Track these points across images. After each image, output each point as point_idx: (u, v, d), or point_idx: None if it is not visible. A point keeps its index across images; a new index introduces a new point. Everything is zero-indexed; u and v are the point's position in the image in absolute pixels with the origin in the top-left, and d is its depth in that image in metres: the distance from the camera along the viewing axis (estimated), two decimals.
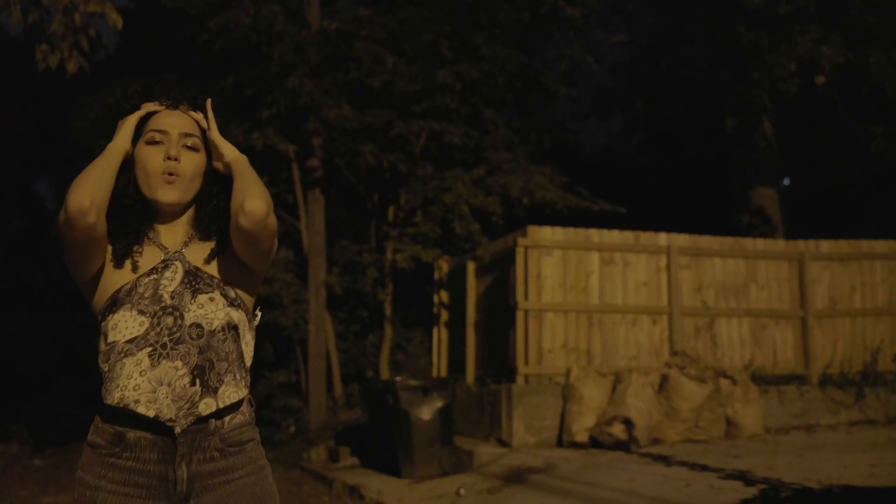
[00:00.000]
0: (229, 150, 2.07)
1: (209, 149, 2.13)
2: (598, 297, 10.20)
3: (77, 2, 6.29)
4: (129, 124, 2.05)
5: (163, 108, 2.09)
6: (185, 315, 1.98)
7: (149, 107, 2.08)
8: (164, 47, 14.93)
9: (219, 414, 1.98)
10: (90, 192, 1.88)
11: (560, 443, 9.24)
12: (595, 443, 9.00)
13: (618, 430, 8.85)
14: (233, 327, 2.01)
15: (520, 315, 9.82)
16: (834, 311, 10.88)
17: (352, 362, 13.35)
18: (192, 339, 1.97)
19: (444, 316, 12.51)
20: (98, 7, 6.33)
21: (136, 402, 1.91)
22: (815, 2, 12.48)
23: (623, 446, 8.74)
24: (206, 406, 1.95)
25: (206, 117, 2.11)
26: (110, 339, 1.94)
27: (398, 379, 9.07)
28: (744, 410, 9.32)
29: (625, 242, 10.43)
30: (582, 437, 9.09)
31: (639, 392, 9.08)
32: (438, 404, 8.83)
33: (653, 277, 10.44)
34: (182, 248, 2.07)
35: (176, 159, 2.03)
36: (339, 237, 13.24)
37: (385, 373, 12.63)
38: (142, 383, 1.91)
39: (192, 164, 2.08)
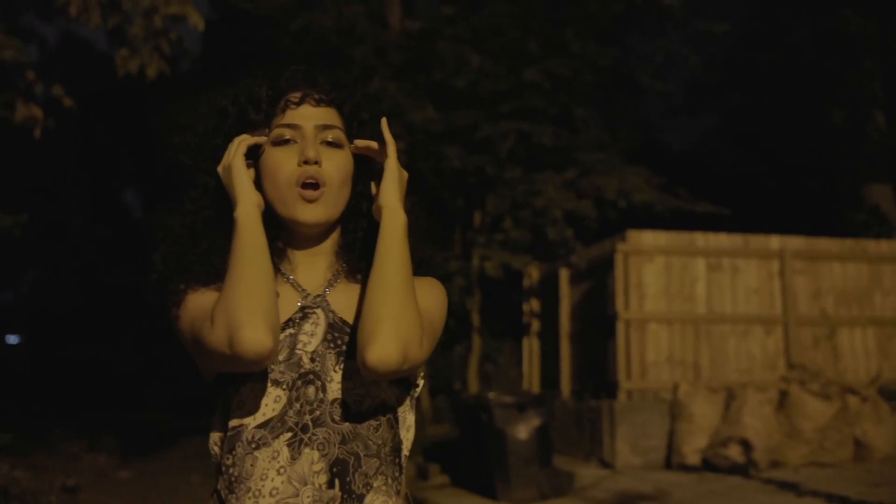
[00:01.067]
0: (390, 196, 1.48)
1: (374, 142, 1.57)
2: (704, 306, 9.48)
3: (157, 4, 5.95)
4: (237, 156, 1.49)
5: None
6: (328, 386, 1.44)
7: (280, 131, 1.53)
8: (245, 55, 14.77)
9: None
10: (268, 323, 1.34)
11: (669, 465, 8.57)
12: (708, 465, 8.29)
13: (734, 453, 8.11)
14: (389, 408, 1.49)
15: (620, 325, 9.20)
16: None
17: (439, 374, 12.90)
18: (333, 421, 1.43)
19: (535, 326, 11.97)
20: (179, 9, 5.99)
21: None
22: None
23: (740, 470, 8.01)
24: None
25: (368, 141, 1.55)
26: (234, 423, 1.44)
27: (491, 394, 8.55)
28: (874, 430, 8.48)
29: (733, 246, 9.69)
30: (693, 458, 8.38)
31: (756, 410, 8.32)
32: (535, 422, 8.27)
33: (765, 284, 9.67)
34: (325, 291, 1.53)
35: (316, 162, 1.48)
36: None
37: (473, 386, 12.15)
38: (280, 485, 1.40)
39: (337, 166, 1.51)
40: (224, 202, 1.50)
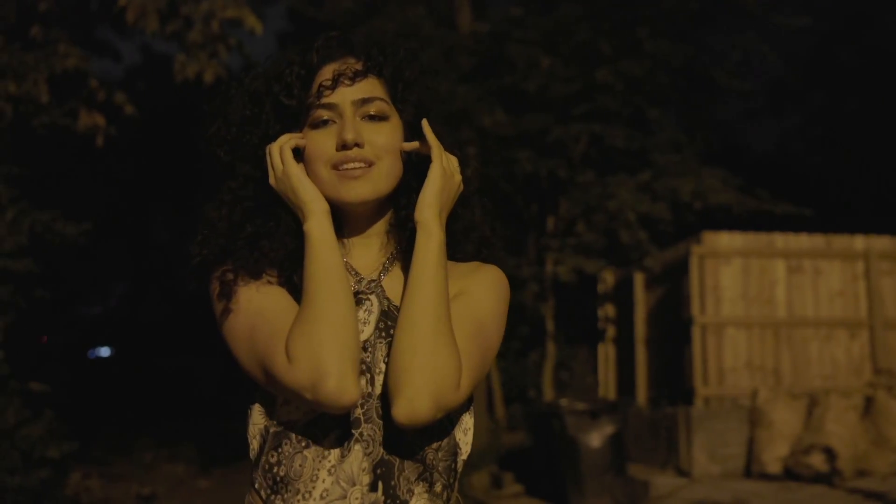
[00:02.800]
0: (424, 210, 1.36)
1: (404, 112, 1.46)
2: (784, 310, 9.19)
3: (215, 8, 6.01)
4: (289, 161, 1.38)
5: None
6: (376, 379, 1.33)
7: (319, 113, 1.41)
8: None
9: None
10: (356, 370, 1.27)
11: (748, 473, 8.32)
12: (790, 474, 8.01)
13: (817, 461, 7.82)
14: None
15: (696, 330, 8.97)
16: None
17: (513, 382, 12.79)
18: (379, 417, 1.32)
19: (611, 332, 11.77)
20: (235, 12, 6.04)
21: None
22: None
23: (824, 479, 7.72)
24: None
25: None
26: (282, 417, 1.35)
27: (563, 402, 8.42)
28: None
29: (814, 248, 9.37)
30: (774, 467, 8.11)
31: (840, 417, 8.01)
32: (609, 430, 8.11)
33: (849, 286, 9.33)
34: (380, 276, 1.43)
35: (357, 144, 1.37)
36: None
37: (549, 393, 12.00)
38: (330, 486, 1.30)
39: (384, 138, 1.39)
40: (266, 193, 1.41)
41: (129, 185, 21.98)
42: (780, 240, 9.43)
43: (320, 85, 1.40)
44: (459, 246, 1.48)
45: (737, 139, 18.17)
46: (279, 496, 1.32)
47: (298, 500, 1.30)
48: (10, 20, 7.21)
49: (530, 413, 10.06)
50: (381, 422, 1.32)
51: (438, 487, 1.35)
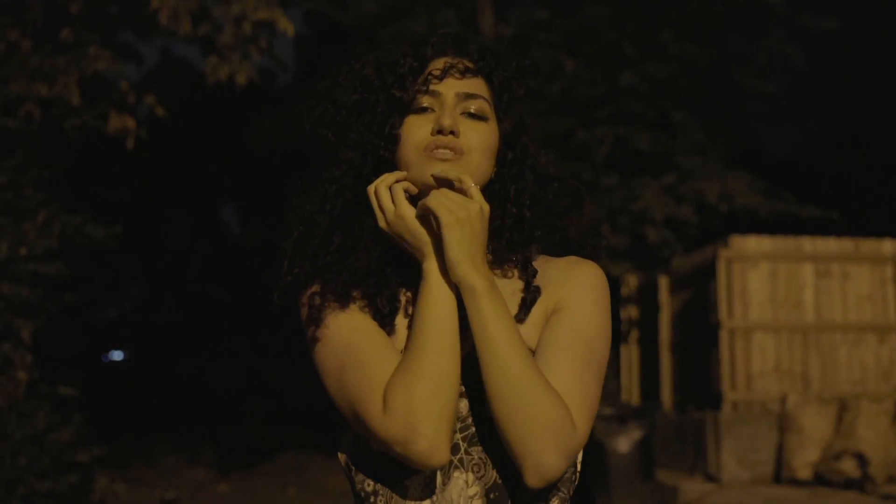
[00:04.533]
0: (455, 266, 1.26)
1: (504, 121, 1.42)
2: (813, 314, 9.14)
3: (246, 11, 6.02)
4: (402, 203, 1.31)
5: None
6: (484, 398, 1.27)
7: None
8: (337, 67, 14.96)
9: None
10: (452, 434, 1.25)
11: (778, 479, 8.27)
12: (820, 480, 7.96)
13: (848, 467, 7.76)
14: None
15: (723, 334, 8.92)
16: None
17: None
18: (492, 441, 1.26)
19: (634, 335, 11.74)
20: (267, 14, 6.04)
21: None
22: None
23: (856, 485, 7.66)
24: None
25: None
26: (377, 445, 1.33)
27: None
28: None
29: (842, 251, 9.32)
30: (804, 473, 8.06)
31: (871, 422, 7.95)
32: (636, 435, 8.07)
33: (877, 290, 9.27)
34: None
35: (452, 132, 1.33)
36: None
37: None
38: None
39: (479, 136, 1.35)
40: (363, 184, 1.37)
41: (144, 187, 22.06)
42: (808, 243, 9.37)
43: (429, 73, 1.38)
44: (544, 237, 1.44)
45: (758, 142, 18.09)
46: None
47: None
48: (39, 23, 7.24)
49: None
50: (493, 446, 1.28)
51: (556, 502, 1.32)
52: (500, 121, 1.41)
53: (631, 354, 11.76)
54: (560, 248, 1.46)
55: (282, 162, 19.13)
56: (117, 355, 26.50)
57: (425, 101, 1.36)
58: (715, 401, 8.99)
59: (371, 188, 1.33)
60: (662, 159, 11.33)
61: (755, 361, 8.95)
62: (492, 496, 1.27)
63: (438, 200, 1.26)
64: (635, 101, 11.09)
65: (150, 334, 24.87)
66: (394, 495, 1.28)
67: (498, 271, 1.39)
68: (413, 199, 1.33)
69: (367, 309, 1.33)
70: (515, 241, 1.41)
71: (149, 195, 22.36)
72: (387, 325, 1.32)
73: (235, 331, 22.42)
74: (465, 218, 1.25)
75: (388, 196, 1.31)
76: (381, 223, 1.32)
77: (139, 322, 25.92)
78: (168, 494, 9.54)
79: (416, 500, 1.27)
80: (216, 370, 21.94)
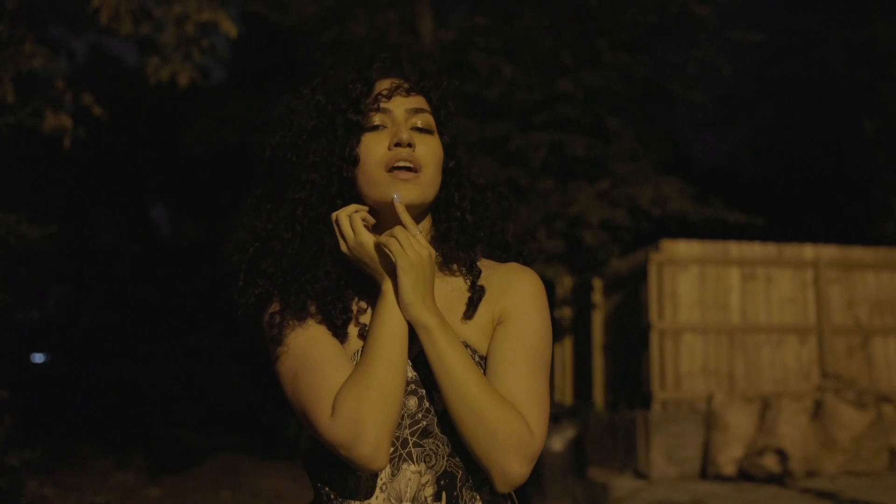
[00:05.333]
0: (408, 307, 1.40)
1: (444, 134, 1.56)
2: (739, 316, 9.45)
3: (189, 11, 6.02)
4: (361, 231, 1.43)
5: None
6: (434, 395, 1.42)
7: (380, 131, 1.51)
8: (276, 68, 14.86)
9: None
10: (390, 442, 1.37)
11: (704, 475, 8.53)
12: (744, 475, 8.25)
13: (770, 462, 8.07)
14: None
15: (654, 336, 9.17)
16: None
17: None
18: (442, 432, 1.41)
19: (568, 337, 11.93)
20: (211, 16, 6.05)
21: None
22: None
23: (777, 480, 7.97)
24: None
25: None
26: None
27: None
28: None
29: (767, 256, 9.66)
30: (729, 468, 8.34)
31: (791, 420, 8.28)
32: (570, 434, 8.26)
33: (799, 293, 9.62)
34: None
35: (409, 145, 1.46)
36: None
37: None
38: (382, 503, 1.40)
39: (430, 150, 1.50)
40: (330, 205, 1.49)
41: (72, 186, 21.56)
42: (735, 248, 9.68)
43: (378, 94, 1.50)
44: (456, 250, 1.58)
45: (689, 149, 18.54)
46: (327, 500, 1.43)
47: None
48: None
49: None
50: (444, 436, 1.41)
51: (501, 496, 1.46)
52: (441, 134, 1.55)
53: (565, 355, 11.94)
54: (501, 251, 1.60)
55: (215, 161, 18.95)
56: (38, 358, 25.75)
57: (378, 119, 1.49)
58: (645, 400, 9.22)
59: (334, 216, 1.46)
60: (597, 165, 11.54)
61: (684, 362, 9.20)
62: (442, 483, 1.40)
63: (396, 245, 1.39)
64: (571, 107, 11.28)
65: (74, 336, 24.27)
66: (346, 487, 1.41)
67: (446, 271, 1.53)
68: (376, 226, 1.48)
69: (322, 321, 1.44)
70: (461, 243, 1.55)
71: (76, 194, 21.86)
72: (340, 333, 1.44)
73: (164, 333, 22.07)
74: (417, 262, 1.39)
75: (348, 224, 1.43)
76: (343, 248, 1.44)
77: (63, 324, 25.28)
78: (98, 499, 9.39)
79: (367, 490, 1.40)
80: (144, 373, 21.55)
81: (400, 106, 1.51)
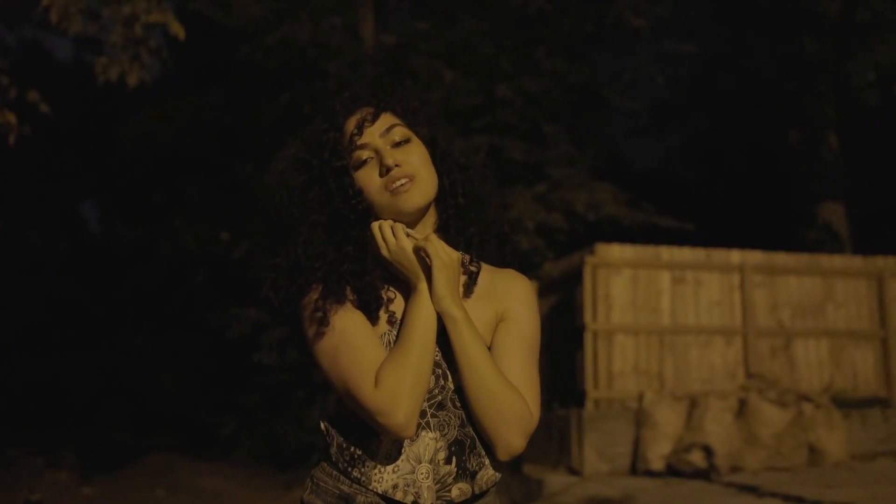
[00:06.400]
0: (439, 301, 1.64)
1: (421, 131, 1.75)
2: (669, 318, 9.78)
3: (138, 12, 6.08)
4: (402, 236, 1.65)
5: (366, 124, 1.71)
6: (449, 375, 1.67)
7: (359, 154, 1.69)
8: (214, 68, 14.80)
9: (472, 499, 1.67)
10: (417, 417, 1.60)
11: (634, 471, 8.81)
12: (672, 471, 8.56)
13: (697, 458, 8.40)
14: None
15: (588, 337, 9.44)
16: None
17: None
18: (454, 406, 1.66)
19: None
20: (159, 17, 6.11)
21: (395, 486, 1.62)
22: None
23: (703, 475, 8.29)
24: (460, 492, 1.65)
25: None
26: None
27: None
28: (827, 436, 8.83)
29: (696, 260, 10.01)
30: (658, 465, 8.65)
31: (717, 417, 8.63)
32: None
33: (726, 296, 10.00)
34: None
35: (396, 165, 1.66)
36: None
37: None
38: (401, 462, 1.63)
39: (415, 155, 1.70)
40: (342, 227, 1.69)
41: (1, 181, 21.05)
42: (666, 252, 10.00)
43: (351, 135, 1.70)
44: (485, 246, 1.80)
45: (624, 155, 18.97)
46: (356, 469, 1.63)
47: (375, 473, 1.61)
48: None
49: None
50: (456, 410, 1.65)
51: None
52: (418, 134, 1.74)
53: None
54: (488, 239, 1.80)
55: (148, 160, 18.70)
56: None
57: (362, 155, 1.69)
58: (579, 399, 9.48)
59: (375, 225, 1.67)
60: (535, 169, 11.81)
61: (616, 362, 9.49)
62: (453, 449, 1.64)
63: (434, 248, 1.62)
64: (510, 112, 11.52)
65: (1, 334, 23.66)
66: (370, 449, 1.62)
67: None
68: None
69: (359, 306, 1.66)
70: (459, 228, 1.75)
71: (2, 189, 21.35)
72: (372, 318, 1.67)
73: (95, 332, 21.69)
74: (449, 263, 1.64)
75: (390, 232, 1.66)
76: (384, 252, 1.66)
77: None
78: (33, 497, 9.31)
79: (387, 453, 1.62)
80: (74, 372, 21.15)
81: (373, 134, 1.69)
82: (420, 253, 1.64)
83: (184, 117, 15.32)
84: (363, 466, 1.63)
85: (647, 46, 12.99)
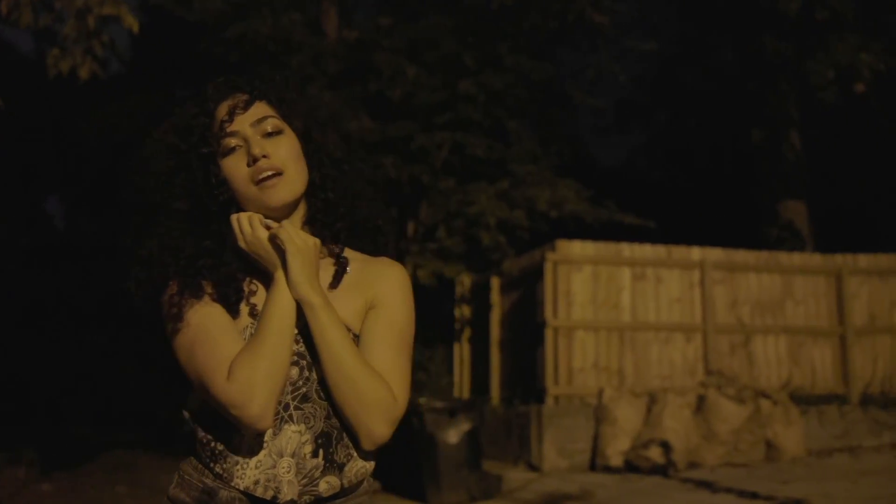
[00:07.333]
0: (296, 287, 1.59)
1: (294, 123, 1.71)
2: (629, 314, 9.83)
3: (91, 4, 5.97)
4: (259, 227, 1.61)
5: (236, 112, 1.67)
6: (315, 366, 1.62)
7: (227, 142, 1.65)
8: (178, 61, 14.66)
9: (343, 493, 1.63)
10: (275, 408, 1.55)
11: (593, 467, 8.86)
12: (630, 467, 8.60)
13: (655, 454, 8.45)
14: None
15: (548, 333, 9.46)
16: (874, 328, 10.47)
17: None
18: (320, 398, 1.61)
19: (467, 334, 12.16)
20: (112, 9, 6.01)
21: (256, 482, 1.57)
22: (854, 8, 12.12)
23: (660, 471, 8.34)
24: (329, 486, 1.60)
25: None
26: None
27: (422, 400, 8.69)
28: (785, 432, 8.91)
29: (657, 257, 10.06)
30: (616, 460, 8.69)
31: (676, 413, 8.68)
32: (465, 427, 8.44)
33: (686, 293, 10.06)
34: None
35: (264, 156, 1.62)
36: None
37: None
38: (263, 458, 1.57)
39: (285, 149, 1.65)
40: (198, 224, 1.65)
41: None
42: (627, 249, 10.05)
43: (221, 121, 1.65)
44: (356, 238, 1.77)
45: (589, 152, 19.03)
46: (219, 464, 1.58)
47: (237, 469, 1.56)
48: None
49: None
50: (321, 401, 1.60)
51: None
52: (291, 126, 1.70)
53: (463, 352, 12.15)
54: (360, 233, 1.78)
55: (112, 154, 18.48)
56: None
57: (230, 142, 1.64)
58: (539, 395, 9.50)
59: (233, 217, 1.63)
60: (497, 166, 11.79)
61: (576, 358, 9.52)
62: (320, 441, 1.59)
63: (287, 234, 1.59)
64: (473, 108, 11.48)
65: None
66: (232, 443, 1.57)
67: (321, 251, 1.70)
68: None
69: (217, 299, 1.62)
70: (326, 223, 1.72)
71: None
72: (232, 311, 1.62)
73: (58, 328, 21.44)
74: (304, 248, 1.60)
75: (247, 222, 1.62)
76: (241, 243, 1.62)
77: None
78: None
79: (249, 448, 1.57)
80: (36, 368, 20.90)
81: (244, 122, 1.65)
82: (276, 241, 1.61)
83: (149, 111, 15.17)
84: (225, 462, 1.58)
85: (611, 45, 13.02)
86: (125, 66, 17.20)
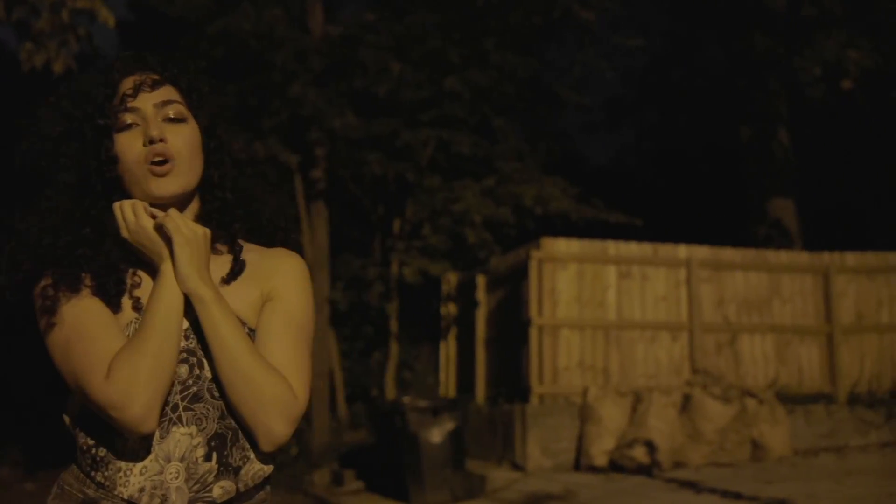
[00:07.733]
0: (185, 281, 1.49)
1: (199, 117, 1.61)
2: (615, 313, 9.75)
3: None
4: (143, 216, 1.50)
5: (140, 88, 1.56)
6: (205, 363, 1.51)
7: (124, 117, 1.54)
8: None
9: (239, 498, 1.52)
10: (160, 410, 1.44)
11: (578, 466, 8.78)
12: (615, 466, 8.54)
13: (639, 454, 8.38)
14: None
15: (533, 331, 9.39)
16: (861, 327, 10.41)
17: (356, 381, 12.90)
18: (213, 397, 1.50)
19: (453, 332, 12.09)
20: (87, 3, 5.91)
21: (142, 490, 1.45)
22: (842, 4, 12.07)
23: (645, 470, 8.28)
24: (223, 491, 1.49)
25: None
26: None
27: (406, 399, 8.62)
28: (771, 432, 8.85)
29: (643, 255, 10.00)
30: (601, 460, 8.63)
31: (661, 413, 8.61)
32: (449, 426, 8.37)
33: (672, 292, 9.99)
34: None
35: (161, 139, 1.52)
36: (342, 251, 12.81)
37: (391, 392, 12.18)
38: (149, 463, 1.46)
39: (184, 140, 1.55)
40: (85, 199, 1.54)
41: None
42: (613, 247, 9.97)
43: (124, 94, 1.55)
44: (255, 236, 1.68)
45: (578, 150, 18.99)
46: (101, 473, 1.46)
47: (120, 477, 1.45)
48: None
49: (373, 411, 10.15)
50: (214, 401, 1.49)
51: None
52: (196, 118, 1.60)
53: (449, 350, 12.08)
54: (260, 234, 1.69)
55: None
56: None
57: (128, 118, 1.54)
58: (524, 394, 9.43)
59: (116, 205, 1.52)
60: (483, 163, 11.74)
61: (561, 357, 9.44)
62: (213, 444, 1.48)
63: (173, 223, 1.48)
64: (459, 105, 11.43)
65: None
66: (115, 448, 1.46)
67: (213, 249, 1.60)
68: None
69: (96, 292, 1.50)
70: (223, 223, 1.63)
71: None
72: (113, 305, 1.51)
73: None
74: (192, 238, 1.49)
75: (130, 210, 1.50)
76: (124, 232, 1.51)
77: None
78: None
79: (133, 453, 1.45)
80: (19, 365, 20.74)
81: (147, 101, 1.55)
82: (163, 231, 1.50)
83: None
84: (107, 469, 1.46)
85: (599, 42, 12.98)
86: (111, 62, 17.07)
